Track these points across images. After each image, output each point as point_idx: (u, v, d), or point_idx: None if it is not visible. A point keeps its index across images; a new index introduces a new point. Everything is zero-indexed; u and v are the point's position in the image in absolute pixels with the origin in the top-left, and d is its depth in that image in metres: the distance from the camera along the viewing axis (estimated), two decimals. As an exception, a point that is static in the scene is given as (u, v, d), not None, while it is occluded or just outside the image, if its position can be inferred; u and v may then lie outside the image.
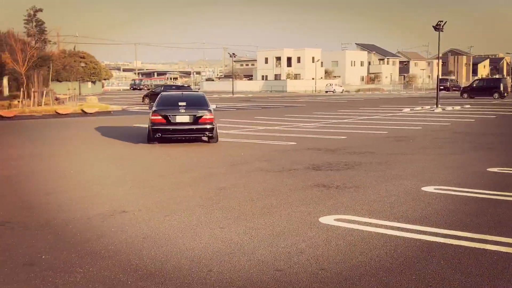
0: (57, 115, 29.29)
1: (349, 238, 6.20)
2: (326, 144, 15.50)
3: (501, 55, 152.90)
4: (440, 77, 54.93)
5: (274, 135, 18.53)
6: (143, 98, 44.98)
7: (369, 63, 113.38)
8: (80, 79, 70.69)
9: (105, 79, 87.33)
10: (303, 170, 11.01)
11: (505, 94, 48.15)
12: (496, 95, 48.09)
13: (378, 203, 7.93)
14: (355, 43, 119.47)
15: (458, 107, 34.50)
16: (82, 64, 72.08)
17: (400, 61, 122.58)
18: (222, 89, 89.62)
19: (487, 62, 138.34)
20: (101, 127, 22.49)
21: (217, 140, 16.12)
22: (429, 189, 8.94)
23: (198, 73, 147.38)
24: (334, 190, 8.90)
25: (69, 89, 39.03)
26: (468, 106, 36.20)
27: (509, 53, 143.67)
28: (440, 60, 52.15)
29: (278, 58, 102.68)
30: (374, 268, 5.22)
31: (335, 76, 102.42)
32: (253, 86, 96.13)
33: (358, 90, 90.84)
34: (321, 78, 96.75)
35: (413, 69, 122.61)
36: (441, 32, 35.07)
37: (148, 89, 70.64)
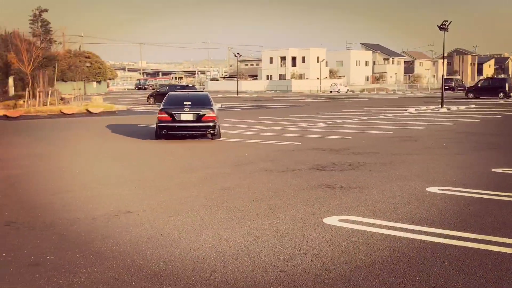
0: (62, 115, 29.38)
1: (353, 239, 6.21)
2: (331, 144, 15.50)
3: (506, 54, 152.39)
4: (445, 76, 54.72)
5: (279, 135, 18.54)
6: (148, 98, 45.04)
7: (374, 63, 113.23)
8: (85, 79, 70.87)
9: (110, 79, 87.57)
10: (308, 170, 11.01)
11: (511, 94, 47.96)
12: (501, 95, 47.93)
13: (382, 204, 7.93)
14: (360, 43, 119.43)
15: (463, 107, 34.41)
16: (87, 64, 72.26)
17: (405, 61, 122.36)
18: (227, 89, 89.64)
19: (492, 61, 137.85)
20: (106, 127, 22.54)
21: (219, 137, 17.01)
22: (434, 189, 8.93)
23: (203, 73, 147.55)
24: (338, 191, 8.90)
25: (74, 89, 39.20)
26: (473, 106, 36.09)
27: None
28: (445, 60, 51.96)
29: (283, 58, 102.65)
30: (378, 269, 5.23)
31: (339, 76, 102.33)
32: (258, 86, 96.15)
33: (363, 90, 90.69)
34: (326, 78, 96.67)
35: (418, 68, 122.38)
36: (446, 32, 34.97)
37: (153, 89, 70.71)
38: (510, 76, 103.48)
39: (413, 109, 33.42)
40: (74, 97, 37.43)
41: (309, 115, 29.35)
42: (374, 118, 26.74)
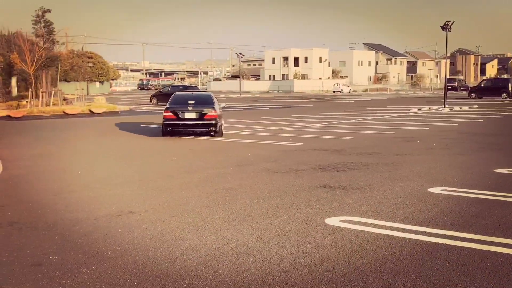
0: (65, 115, 29.44)
1: (355, 239, 6.22)
2: (333, 145, 15.50)
3: (509, 54, 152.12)
4: (448, 77, 54.74)
5: (281, 135, 18.55)
6: (150, 98, 45.05)
7: (377, 63, 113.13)
8: (88, 79, 70.92)
9: (113, 79, 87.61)
10: (310, 171, 11.02)
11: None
12: (504, 95, 47.88)
13: (384, 204, 7.94)
14: (363, 43, 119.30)
15: (465, 107, 34.37)
16: (90, 64, 72.34)
17: (407, 61, 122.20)
18: (229, 89, 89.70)
19: (495, 61, 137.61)
20: (108, 127, 22.59)
21: (221, 134, 17.99)
22: (436, 190, 8.93)
23: (206, 73, 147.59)
24: (340, 191, 8.91)
25: (77, 89, 39.18)
26: (476, 106, 36.05)
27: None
28: (448, 60, 51.96)
29: (286, 58, 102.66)
30: (379, 269, 5.23)
31: (342, 76, 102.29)
32: (260, 86, 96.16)
33: (366, 90, 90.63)
34: (329, 78, 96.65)
35: (420, 69, 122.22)
36: (448, 32, 34.96)
37: (156, 89, 70.77)
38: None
39: (416, 109, 33.39)
40: (77, 98, 37.51)
41: (311, 115, 29.35)
42: (377, 118, 26.72)
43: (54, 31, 38.90)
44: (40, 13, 37.78)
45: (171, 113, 17.48)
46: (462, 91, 71.50)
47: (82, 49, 77.15)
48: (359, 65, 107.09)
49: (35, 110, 29.50)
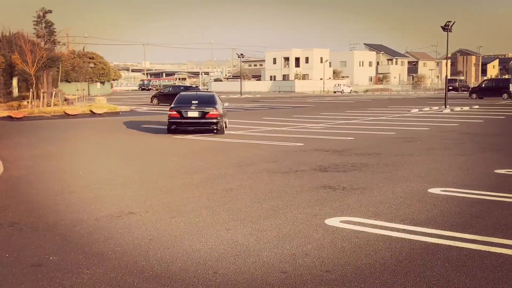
0: (66, 115, 29.46)
1: (355, 240, 6.22)
2: (333, 145, 15.51)
3: (510, 55, 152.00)
4: (449, 77, 54.68)
5: (282, 136, 18.56)
6: (151, 98, 45.05)
7: (378, 63, 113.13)
8: (89, 80, 70.93)
9: (114, 80, 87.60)
10: (310, 171, 11.03)
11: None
12: (505, 95, 47.87)
13: (384, 205, 7.95)
14: (364, 43, 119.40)
15: (466, 108, 34.36)
16: (91, 65, 72.37)
17: (408, 61, 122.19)
18: (230, 89, 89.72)
19: (496, 62, 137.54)
20: (109, 128, 22.62)
21: (223, 132, 19.02)
22: (436, 190, 8.94)
23: (207, 73, 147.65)
24: (341, 192, 8.92)
25: (78, 90, 39.22)
26: (477, 106, 36.04)
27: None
28: (449, 60, 51.92)
29: (286, 59, 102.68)
30: (379, 270, 5.24)
31: (343, 77, 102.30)
32: (261, 87, 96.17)
33: (367, 91, 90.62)
34: (329, 78, 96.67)
35: (421, 69, 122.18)
36: (449, 32, 34.94)
37: (157, 90, 70.78)
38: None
39: (417, 109, 33.40)
40: (78, 98, 37.50)
41: (312, 115, 29.36)
42: (378, 118, 26.73)
43: (55, 31, 38.88)
44: (41, 13, 37.75)
45: (175, 112, 18.61)
46: (463, 92, 71.49)
47: (83, 49, 77.19)
48: (360, 66, 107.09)
49: (36, 111, 29.51)
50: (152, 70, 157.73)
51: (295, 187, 9.34)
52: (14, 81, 38.55)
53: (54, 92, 33.19)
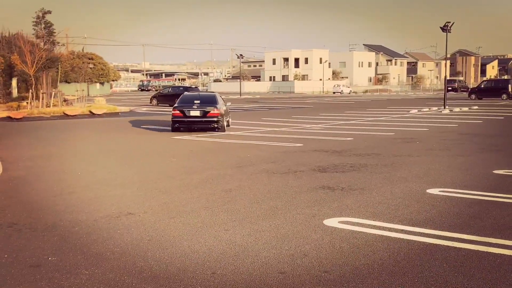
0: (65, 116, 29.46)
1: (353, 240, 6.23)
2: (333, 146, 15.52)
3: (509, 55, 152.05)
4: (448, 78, 54.79)
5: (281, 136, 18.57)
6: (150, 99, 45.04)
7: (377, 64, 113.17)
8: (89, 80, 70.91)
9: (113, 80, 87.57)
10: (309, 172, 11.04)
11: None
12: (504, 96, 47.89)
13: (382, 206, 7.96)
14: (363, 44, 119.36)
15: (465, 108, 34.39)
16: (91, 66, 72.36)
17: (408, 62, 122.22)
18: (230, 90, 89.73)
19: (495, 62, 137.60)
20: (108, 129, 22.62)
21: (224, 130, 20.04)
22: (434, 191, 8.95)
23: (206, 74, 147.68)
24: (339, 192, 8.93)
25: (77, 90, 39.20)
26: (476, 107, 36.06)
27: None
28: (448, 61, 52.05)
29: (286, 59, 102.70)
30: (377, 270, 5.25)
31: (342, 77, 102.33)
32: (261, 87, 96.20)
33: (366, 91, 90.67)
34: (329, 79, 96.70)
35: (421, 70, 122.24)
36: (448, 33, 34.99)
37: (156, 90, 70.77)
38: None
39: (416, 110, 33.42)
40: (77, 99, 37.51)
41: (311, 116, 29.38)
42: (377, 119, 26.74)
43: (55, 32, 38.86)
44: (40, 14, 37.75)
45: (178, 111, 19.80)
46: (462, 92, 71.47)
47: (83, 50, 77.13)
48: (359, 66, 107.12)
49: (36, 111, 29.52)
50: (151, 70, 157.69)
51: (294, 188, 9.35)
52: (14, 82, 38.57)
53: (53, 93, 33.20)
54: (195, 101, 20.01)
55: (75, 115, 29.95)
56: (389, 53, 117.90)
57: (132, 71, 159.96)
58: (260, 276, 5.13)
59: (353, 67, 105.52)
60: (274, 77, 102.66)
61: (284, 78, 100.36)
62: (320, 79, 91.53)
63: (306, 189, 9.21)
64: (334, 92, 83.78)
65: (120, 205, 8.08)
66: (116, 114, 32.02)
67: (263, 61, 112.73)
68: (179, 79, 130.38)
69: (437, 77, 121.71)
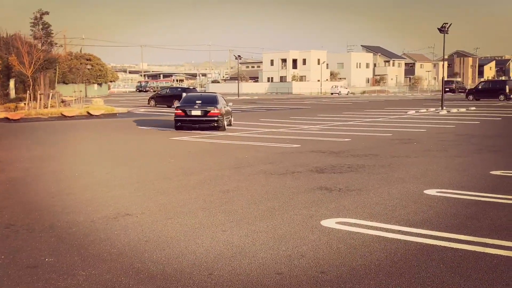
0: (63, 117, 29.44)
1: (350, 241, 6.24)
2: (330, 147, 15.53)
3: (507, 56, 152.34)
4: (446, 79, 54.82)
5: (279, 137, 18.58)
6: (148, 100, 45.02)
7: (375, 65, 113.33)
8: (86, 81, 70.90)
9: (111, 81, 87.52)
10: (306, 172, 11.05)
11: (511, 96, 47.99)
12: (501, 97, 48.01)
13: (380, 206, 7.97)
14: (361, 45, 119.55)
15: (463, 109, 34.45)
16: (89, 66, 72.29)
17: (405, 63, 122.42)
18: (228, 91, 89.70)
19: (493, 63, 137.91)
20: (106, 130, 22.60)
21: (224, 129, 21.08)
22: (432, 192, 8.96)
23: (204, 75, 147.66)
24: (337, 193, 8.93)
25: (75, 91, 39.15)
26: (474, 108, 36.13)
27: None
28: (446, 62, 52.04)
29: (284, 60, 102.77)
30: (374, 271, 5.26)
31: (340, 78, 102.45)
32: (259, 88, 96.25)
33: (364, 92, 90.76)
34: (327, 80, 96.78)
35: (418, 71, 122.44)
36: (446, 34, 35.05)
37: (154, 91, 70.72)
38: (511, 78, 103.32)
39: (414, 111, 33.46)
40: (75, 100, 37.43)
41: (309, 117, 29.40)
42: (374, 120, 26.78)
43: (52, 33, 38.89)
44: (38, 15, 37.76)
45: (180, 111, 20.91)
46: (460, 93, 71.65)
47: (81, 51, 77.17)
48: (357, 67, 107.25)
49: (33, 112, 29.48)
50: (149, 71, 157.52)
51: (292, 189, 9.36)
52: (11, 83, 38.49)
53: (51, 94, 33.13)
54: (197, 101, 21.13)
55: (73, 116, 29.92)
56: (387, 54, 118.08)
57: (130, 72, 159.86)
58: (257, 277, 5.13)
59: (351, 68, 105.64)
60: (272, 78, 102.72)
61: (282, 79, 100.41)
62: (318, 80, 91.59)
63: (304, 190, 9.22)
64: (332, 93, 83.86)
65: (118, 206, 8.08)
66: (114, 115, 32.00)
67: (261, 62, 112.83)
68: (177, 80, 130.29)
69: (435, 78, 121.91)
